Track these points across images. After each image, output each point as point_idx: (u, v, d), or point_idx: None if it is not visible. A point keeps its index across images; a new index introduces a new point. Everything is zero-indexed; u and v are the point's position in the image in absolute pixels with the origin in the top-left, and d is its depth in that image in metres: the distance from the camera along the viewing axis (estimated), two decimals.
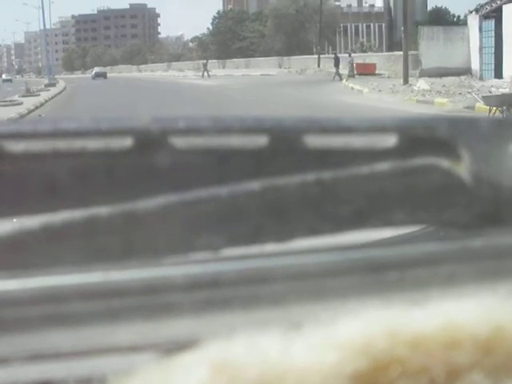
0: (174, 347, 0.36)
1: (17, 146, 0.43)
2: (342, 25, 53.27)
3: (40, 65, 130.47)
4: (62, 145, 0.44)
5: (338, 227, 0.46)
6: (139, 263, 0.42)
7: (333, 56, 30.37)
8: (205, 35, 68.60)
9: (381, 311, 0.35)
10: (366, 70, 28.32)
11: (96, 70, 60.00)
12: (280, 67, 41.95)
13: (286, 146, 0.46)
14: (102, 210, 0.43)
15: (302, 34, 50.46)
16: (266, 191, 0.45)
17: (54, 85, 37.10)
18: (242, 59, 52.11)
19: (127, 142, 0.44)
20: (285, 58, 43.84)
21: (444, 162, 0.47)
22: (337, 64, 27.80)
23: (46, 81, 44.09)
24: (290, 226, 0.46)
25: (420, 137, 0.48)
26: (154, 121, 0.45)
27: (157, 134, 0.44)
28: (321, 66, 35.89)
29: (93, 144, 0.44)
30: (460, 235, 0.47)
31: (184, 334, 0.38)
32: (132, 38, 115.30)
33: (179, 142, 0.45)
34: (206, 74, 37.58)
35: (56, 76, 64.28)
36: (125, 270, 0.41)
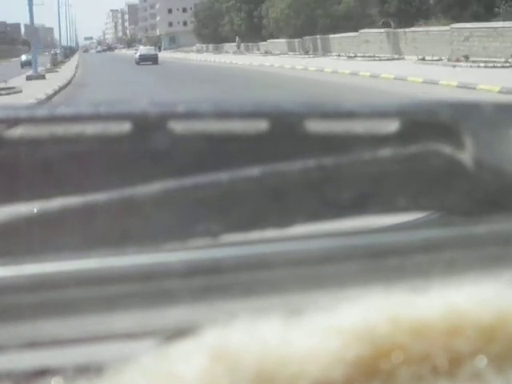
0: (173, 334, 0.35)
1: (13, 132, 0.43)
2: None
3: (158, 33, 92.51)
4: (59, 130, 0.43)
5: (339, 213, 0.46)
6: (137, 249, 0.41)
7: None
8: None
9: (382, 298, 0.35)
10: None
11: (142, 50, 37.77)
12: None
13: (286, 131, 0.45)
14: (100, 196, 0.43)
15: None
16: (266, 176, 0.44)
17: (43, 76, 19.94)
18: None
19: (125, 126, 0.43)
20: None
21: (446, 148, 0.47)
22: None
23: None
24: (291, 212, 0.45)
25: (422, 122, 0.47)
26: (153, 105, 0.44)
27: (155, 118, 0.44)
28: None
29: (90, 129, 0.43)
30: (462, 221, 0.46)
31: (183, 320, 0.38)
32: None
33: (178, 126, 0.44)
34: None
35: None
36: (123, 256, 0.40)
